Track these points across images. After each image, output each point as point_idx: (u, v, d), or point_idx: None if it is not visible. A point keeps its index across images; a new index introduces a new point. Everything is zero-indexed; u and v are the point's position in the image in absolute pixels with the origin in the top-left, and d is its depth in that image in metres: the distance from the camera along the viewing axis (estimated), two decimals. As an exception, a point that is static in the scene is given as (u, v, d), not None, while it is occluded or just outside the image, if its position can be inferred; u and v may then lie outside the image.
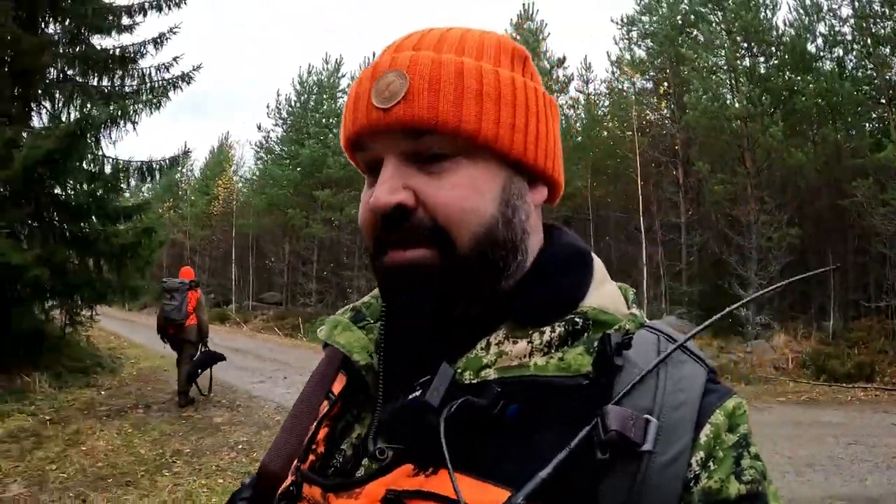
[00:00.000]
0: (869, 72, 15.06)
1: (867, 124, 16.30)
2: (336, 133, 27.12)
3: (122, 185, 8.80)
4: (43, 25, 9.46)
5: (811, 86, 15.28)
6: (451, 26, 0.68)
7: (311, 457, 0.70)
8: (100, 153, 8.93)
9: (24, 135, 8.71)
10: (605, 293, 0.67)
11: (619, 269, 20.76)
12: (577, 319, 0.62)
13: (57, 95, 9.65)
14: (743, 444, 0.58)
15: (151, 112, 9.13)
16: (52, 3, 9.22)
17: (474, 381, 0.60)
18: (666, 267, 18.18)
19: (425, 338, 0.66)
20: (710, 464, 0.55)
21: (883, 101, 15.12)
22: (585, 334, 0.61)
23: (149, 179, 9.83)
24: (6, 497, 4.79)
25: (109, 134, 8.86)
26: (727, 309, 0.77)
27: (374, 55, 29.30)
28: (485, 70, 0.62)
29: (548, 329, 0.62)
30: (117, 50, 9.73)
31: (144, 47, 9.87)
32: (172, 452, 6.23)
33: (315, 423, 0.73)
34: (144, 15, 9.89)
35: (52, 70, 9.48)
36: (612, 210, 21.66)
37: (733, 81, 16.73)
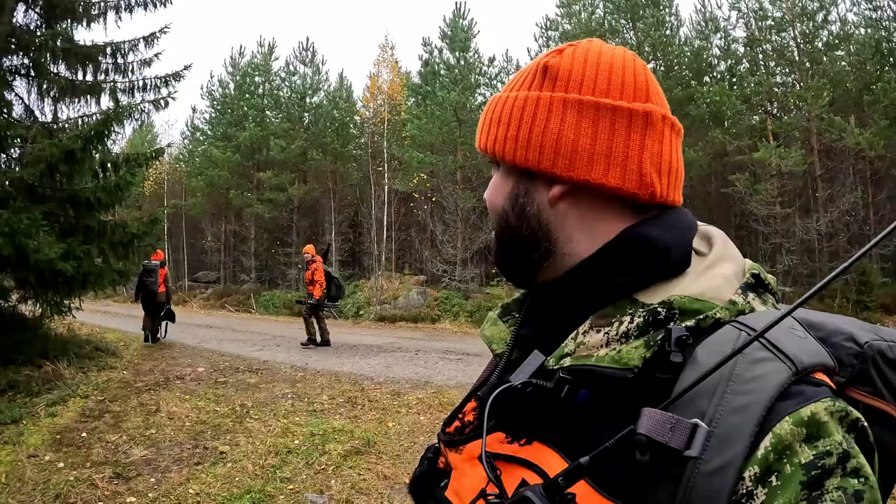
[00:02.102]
0: (754, 85, 18.02)
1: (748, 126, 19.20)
2: (274, 115, 27.32)
3: (132, 179, 9.31)
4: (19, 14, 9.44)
5: (705, 88, 18.06)
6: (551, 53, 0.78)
7: (456, 423, 0.84)
8: (104, 149, 9.35)
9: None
10: (711, 276, 0.67)
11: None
12: (659, 310, 0.63)
13: (33, 88, 9.85)
14: (825, 462, 0.51)
15: (158, 110, 9.79)
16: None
17: (554, 367, 0.66)
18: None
19: (543, 329, 0.78)
20: (773, 480, 0.51)
21: (761, 110, 18.39)
22: (671, 323, 0.62)
23: (141, 170, 10.32)
24: (136, 459, 5.50)
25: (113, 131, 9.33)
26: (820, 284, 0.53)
27: (307, 40, 29.04)
28: (504, 99, 0.77)
29: (627, 319, 0.64)
30: (108, 47, 10.10)
31: (136, 46, 10.30)
32: (240, 406, 7.22)
33: (466, 397, 0.86)
34: (131, 12, 10.30)
35: (21, 60, 9.64)
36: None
37: (639, 87, 19.41)
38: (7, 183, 7.84)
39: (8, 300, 8.94)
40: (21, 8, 9.23)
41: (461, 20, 23.78)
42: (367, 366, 9.96)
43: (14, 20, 9.02)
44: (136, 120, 9.51)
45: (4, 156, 8.95)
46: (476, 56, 24.21)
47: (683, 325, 0.61)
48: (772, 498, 0.50)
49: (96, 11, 10.00)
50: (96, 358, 9.67)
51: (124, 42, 10.32)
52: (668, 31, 19.87)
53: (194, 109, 44.45)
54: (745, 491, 0.51)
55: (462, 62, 23.54)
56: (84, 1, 9.82)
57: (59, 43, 9.48)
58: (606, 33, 20.30)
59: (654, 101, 0.73)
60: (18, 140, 8.71)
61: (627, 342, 0.62)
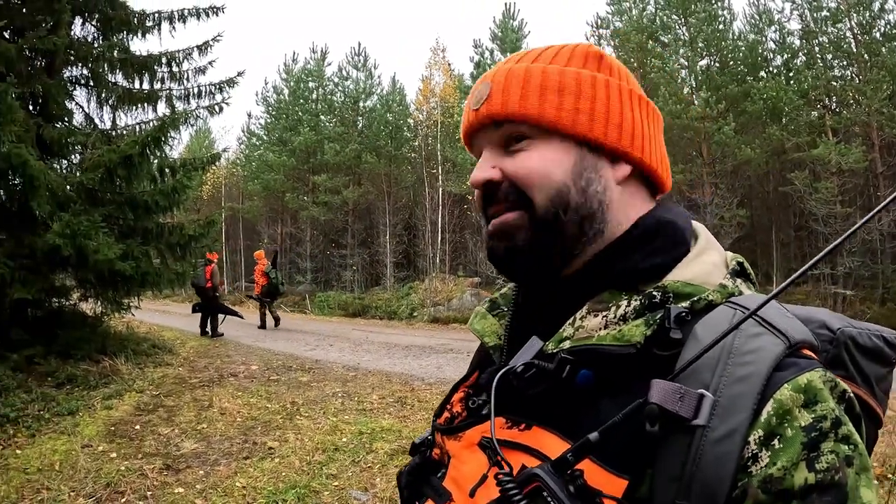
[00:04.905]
0: (811, 80, 17.37)
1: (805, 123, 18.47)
2: (328, 119, 27.93)
3: (188, 183, 9.59)
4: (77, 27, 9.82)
5: (761, 84, 17.47)
6: (546, 46, 0.80)
7: (446, 413, 0.85)
8: (161, 154, 9.64)
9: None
10: (700, 263, 0.72)
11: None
12: (654, 293, 0.66)
13: (92, 97, 10.26)
14: (822, 426, 0.54)
15: (212, 116, 10.12)
16: (86, 10, 9.72)
17: (554, 351, 0.68)
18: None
19: (538, 320, 0.77)
20: (775, 443, 0.54)
21: (819, 105, 17.69)
22: (666, 306, 0.65)
23: (197, 174, 10.62)
24: (186, 452, 5.65)
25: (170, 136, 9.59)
26: (801, 270, 0.56)
27: (359, 45, 29.93)
28: (549, 70, 0.74)
29: (623, 303, 0.67)
30: (163, 56, 10.43)
31: (190, 54, 10.62)
32: (291, 403, 7.29)
33: (451, 389, 0.89)
34: (184, 23, 10.60)
35: (81, 70, 10.03)
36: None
37: (694, 83, 18.82)
38: (68, 187, 8.16)
39: (69, 298, 9.29)
40: (78, 21, 9.64)
41: (511, 21, 23.74)
42: (419, 366, 9.94)
43: (72, 33, 9.38)
44: (192, 126, 9.82)
45: (66, 161, 9.35)
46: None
47: (680, 305, 0.65)
48: (775, 458, 0.53)
49: (151, 23, 10.30)
50: (153, 355, 9.95)
51: (178, 51, 10.63)
52: (720, 26, 19.29)
53: (250, 115, 45.90)
54: (750, 454, 0.54)
55: (513, 63, 23.49)
56: (139, 13, 10.13)
57: (115, 54, 9.83)
58: (658, 30, 19.86)
59: None
60: (79, 146, 9.08)
61: (626, 323, 0.65)
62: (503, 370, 0.70)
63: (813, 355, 0.62)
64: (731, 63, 19.49)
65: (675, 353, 0.62)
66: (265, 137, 30.59)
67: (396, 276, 25.03)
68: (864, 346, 0.77)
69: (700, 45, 19.01)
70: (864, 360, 0.77)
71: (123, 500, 4.62)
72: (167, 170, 9.60)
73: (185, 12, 10.47)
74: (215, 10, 10.67)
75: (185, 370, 9.27)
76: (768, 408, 0.55)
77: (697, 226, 0.80)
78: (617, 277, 0.72)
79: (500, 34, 23.81)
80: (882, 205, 0.61)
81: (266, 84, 39.65)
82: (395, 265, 25.64)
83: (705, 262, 0.72)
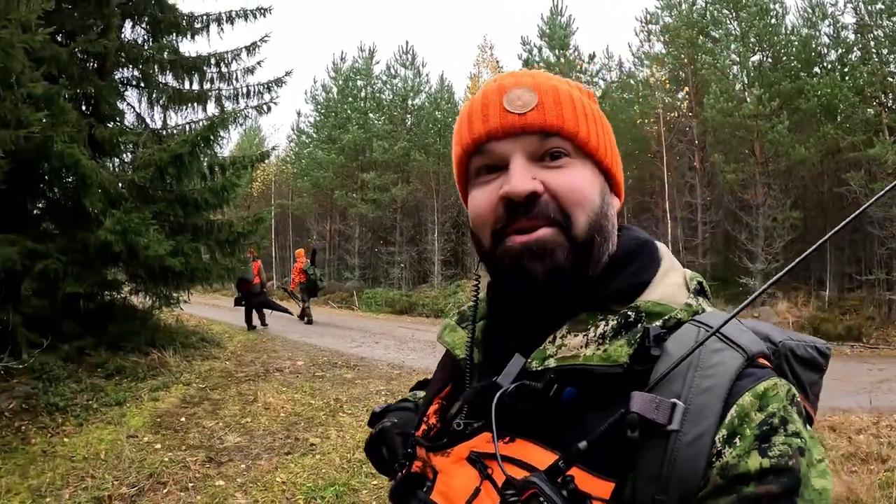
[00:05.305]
0: (866, 76, 16.55)
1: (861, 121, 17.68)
2: (377, 117, 28.06)
3: (237, 181, 9.76)
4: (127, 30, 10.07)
5: (815, 80, 16.75)
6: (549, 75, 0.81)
7: (423, 426, 0.88)
8: (211, 153, 9.82)
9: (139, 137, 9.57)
10: (665, 285, 0.78)
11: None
12: (629, 313, 0.72)
13: (143, 97, 10.52)
14: (772, 422, 0.62)
15: (261, 115, 10.33)
16: (136, 13, 9.97)
17: (538, 369, 0.73)
18: (683, 242, 19.63)
19: (515, 334, 0.81)
20: (736, 441, 0.61)
21: (875, 102, 16.82)
22: (639, 325, 0.71)
23: (246, 172, 10.80)
24: (229, 445, 5.72)
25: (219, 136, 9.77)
26: (759, 291, 0.75)
27: (407, 43, 29.90)
28: (583, 99, 0.79)
29: (602, 323, 0.72)
30: (212, 57, 10.64)
31: (238, 55, 10.80)
32: (335, 400, 7.31)
33: (427, 402, 0.92)
34: (232, 24, 10.78)
35: (132, 72, 10.27)
36: (630, 189, 22.61)
37: (746, 80, 18.19)
38: (120, 185, 8.36)
39: (120, 292, 9.54)
40: (128, 24, 9.92)
41: (559, 17, 23.37)
42: (463, 366, 9.85)
43: (122, 36, 9.65)
44: (241, 125, 9.99)
45: (117, 160, 9.62)
46: (576, 53, 23.65)
47: (654, 324, 0.71)
48: (733, 450, 0.61)
49: (199, 25, 10.50)
50: (201, 348, 10.14)
51: (227, 52, 10.81)
52: (773, 20, 18.52)
53: (299, 114, 46.89)
54: (715, 452, 0.61)
55: (562, 60, 23.02)
56: (187, 16, 10.36)
57: (165, 55, 10.10)
58: (709, 25, 19.24)
59: None
60: (130, 145, 9.32)
61: (605, 342, 0.70)
62: (500, 392, 0.73)
63: (768, 364, 0.71)
64: (784, 59, 18.67)
65: (648, 367, 0.68)
66: (314, 135, 30.91)
67: (444, 274, 24.95)
68: (801, 356, 0.91)
69: (752, 40, 18.22)
70: (801, 369, 0.90)
71: (165, 490, 4.69)
72: (217, 168, 9.78)
73: (233, 14, 10.64)
74: (262, 11, 10.81)
75: (231, 364, 9.40)
76: (732, 412, 0.63)
77: (660, 245, 0.87)
78: (597, 298, 0.77)
79: (547, 31, 23.44)
80: (846, 221, 0.73)
81: (315, 83, 40.36)
82: (443, 263, 25.53)
83: (670, 284, 0.78)
